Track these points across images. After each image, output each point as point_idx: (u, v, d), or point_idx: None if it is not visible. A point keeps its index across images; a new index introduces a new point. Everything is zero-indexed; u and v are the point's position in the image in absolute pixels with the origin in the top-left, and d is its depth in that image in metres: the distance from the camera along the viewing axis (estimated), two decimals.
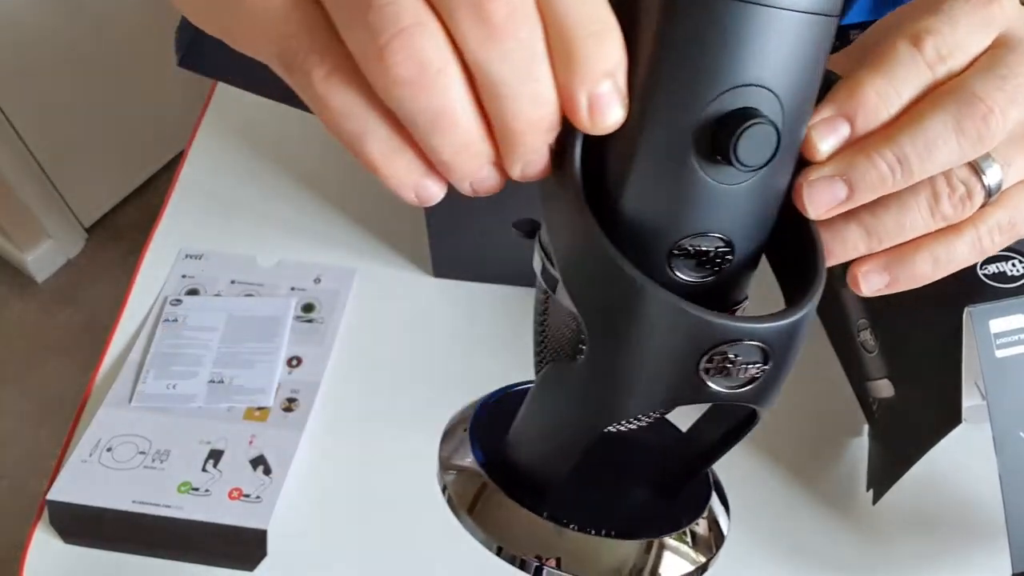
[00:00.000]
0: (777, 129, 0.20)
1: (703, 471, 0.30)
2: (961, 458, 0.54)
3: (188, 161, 0.76)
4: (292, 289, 0.66)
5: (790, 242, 0.25)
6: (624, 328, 0.22)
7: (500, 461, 0.29)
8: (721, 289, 0.24)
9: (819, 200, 0.24)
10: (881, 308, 0.54)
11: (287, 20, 0.21)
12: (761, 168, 0.21)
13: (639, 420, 0.26)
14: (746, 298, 0.26)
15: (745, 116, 0.20)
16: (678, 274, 0.23)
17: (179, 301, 0.65)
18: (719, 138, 0.20)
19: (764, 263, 0.26)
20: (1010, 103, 0.24)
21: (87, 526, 0.55)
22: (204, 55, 0.45)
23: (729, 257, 0.23)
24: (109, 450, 0.57)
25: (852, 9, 0.67)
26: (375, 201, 0.70)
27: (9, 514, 1.37)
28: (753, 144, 0.20)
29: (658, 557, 0.28)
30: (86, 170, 1.59)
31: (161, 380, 0.61)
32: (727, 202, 0.22)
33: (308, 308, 0.65)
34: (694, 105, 0.20)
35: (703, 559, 0.29)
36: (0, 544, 1.34)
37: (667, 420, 0.28)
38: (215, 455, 0.57)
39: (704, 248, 0.23)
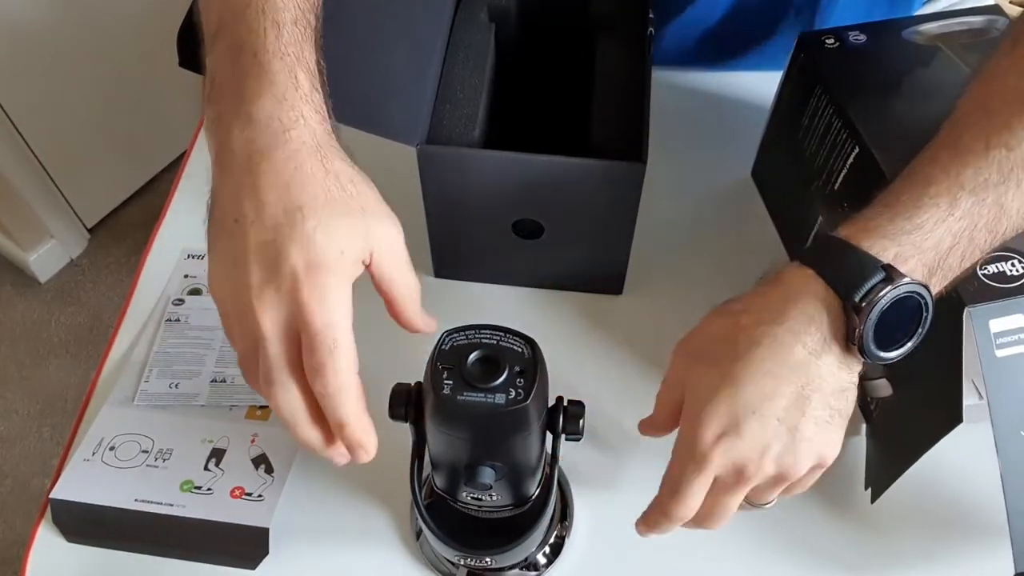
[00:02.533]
0: (495, 472, 0.40)
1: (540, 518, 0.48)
2: (960, 457, 0.54)
3: (190, 161, 0.76)
4: None
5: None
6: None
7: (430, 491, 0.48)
8: (506, 494, 0.44)
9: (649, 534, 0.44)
10: None
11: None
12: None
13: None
14: (532, 496, 0.45)
15: (472, 475, 0.40)
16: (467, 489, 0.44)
17: (181, 301, 0.66)
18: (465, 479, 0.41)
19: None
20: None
21: (90, 525, 0.55)
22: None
23: (495, 496, 0.44)
24: (112, 449, 0.58)
25: (835, 11, 0.68)
26: None
27: (12, 513, 1.38)
28: (477, 487, 0.41)
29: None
30: (89, 171, 1.59)
31: (163, 379, 0.61)
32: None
33: None
34: (456, 461, 0.42)
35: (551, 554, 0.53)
36: (3, 543, 1.35)
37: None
38: (217, 454, 0.57)
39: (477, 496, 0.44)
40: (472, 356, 0.38)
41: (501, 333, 0.39)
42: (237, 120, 0.39)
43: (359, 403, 0.38)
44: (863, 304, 0.37)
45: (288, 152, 0.38)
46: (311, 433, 0.39)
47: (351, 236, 0.38)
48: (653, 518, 0.43)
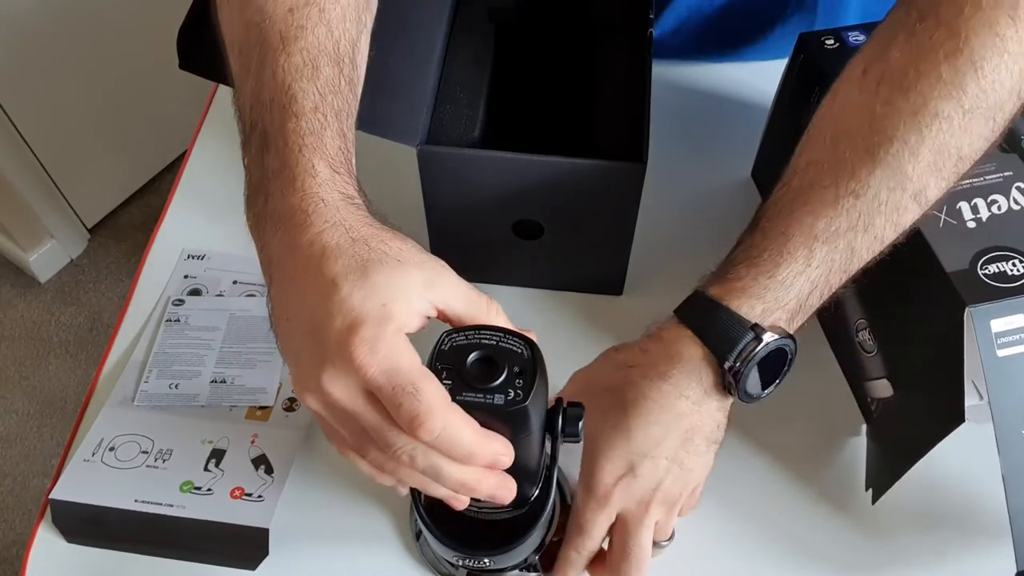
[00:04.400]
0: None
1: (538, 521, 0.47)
2: (961, 457, 0.54)
3: (190, 162, 0.76)
4: None
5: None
6: None
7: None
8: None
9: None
10: (880, 308, 0.55)
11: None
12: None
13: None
14: (531, 497, 0.43)
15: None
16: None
17: (181, 301, 0.66)
18: None
19: None
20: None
21: (89, 525, 0.55)
22: (205, 57, 0.45)
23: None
24: (112, 449, 0.58)
25: (847, 11, 0.68)
26: (375, 202, 0.70)
27: (12, 513, 1.38)
28: None
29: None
30: (89, 171, 1.59)
31: (163, 380, 0.61)
32: None
33: None
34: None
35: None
36: (3, 543, 1.35)
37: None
38: (217, 454, 0.57)
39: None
40: (471, 356, 0.37)
41: (501, 334, 0.38)
42: (269, 223, 0.39)
43: (471, 427, 0.36)
44: (737, 364, 0.43)
45: (311, 235, 0.37)
46: (461, 472, 0.37)
47: (391, 288, 0.36)
48: (565, 554, 0.49)
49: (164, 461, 0.57)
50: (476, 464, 0.37)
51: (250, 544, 0.53)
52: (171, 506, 0.55)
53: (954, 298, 0.45)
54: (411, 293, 0.36)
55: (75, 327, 1.58)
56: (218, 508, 0.55)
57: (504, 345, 0.38)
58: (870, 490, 0.54)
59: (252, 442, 0.58)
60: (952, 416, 0.45)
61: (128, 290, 0.67)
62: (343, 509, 0.55)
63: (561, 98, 0.69)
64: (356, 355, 0.34)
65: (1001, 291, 0.45)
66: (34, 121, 1.44)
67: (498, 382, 0.37)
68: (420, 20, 0.59)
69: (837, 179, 0.43)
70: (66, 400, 1.49)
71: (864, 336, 0.56)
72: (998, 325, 0.45)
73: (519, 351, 0.38)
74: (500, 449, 0.37)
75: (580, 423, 0.42)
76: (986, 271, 0.46)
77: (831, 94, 0.46)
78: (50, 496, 0.56)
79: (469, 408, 0.36)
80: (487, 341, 0.38)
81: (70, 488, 0.56)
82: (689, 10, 0.73)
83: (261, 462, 0.57)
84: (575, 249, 0.61)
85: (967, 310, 0.44)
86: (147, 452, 0.58)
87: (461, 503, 0.40)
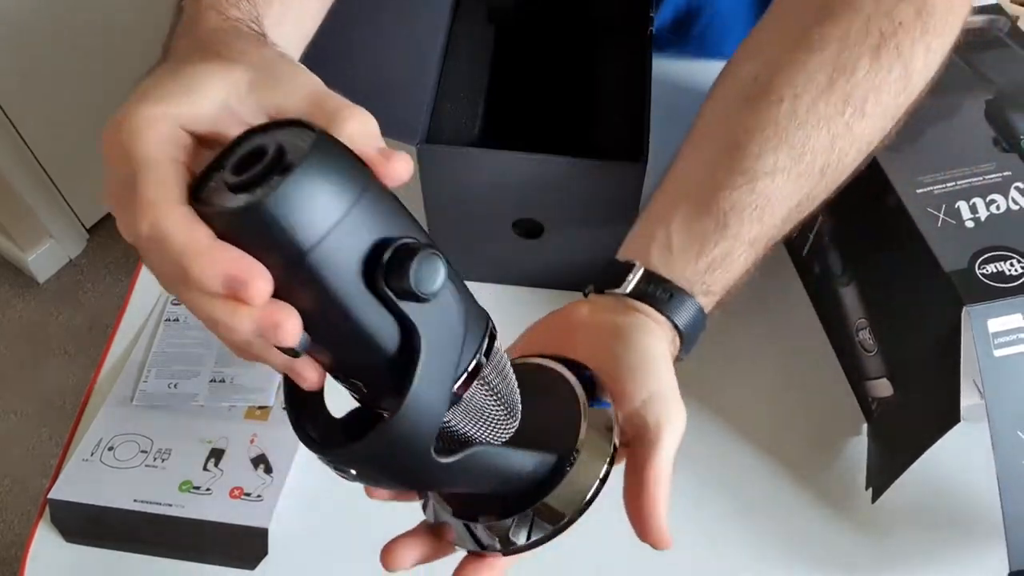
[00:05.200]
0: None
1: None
2: (960, 456, 0.54)
3: None
4: None
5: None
6: None
7: None
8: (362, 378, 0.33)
9: None
10: (880, 308, 0.55)
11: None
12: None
13: None
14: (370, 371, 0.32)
15: None
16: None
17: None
18: None
19: None
20: None
21: (88, 525, 0.55)
22: None
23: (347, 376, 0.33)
24: (111, 449, 0.58)
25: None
26: None
27: (11, 513, 1.38)
28: None
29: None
30: (88, 170, 1.59)
31: (162, 379, 0.61)
32: None
33: None
34: None
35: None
36: (2, 543, 1.34)
37: None
38: (216, 454, 0.57)
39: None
40: (241, 150, 0.27)
41: (302, 128, 0.28)
42: None
43: (189, 232, 0.26)
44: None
45: (169, 57, 0.32)
46: (200, 299, 0.27)
47: (192, 79, 0.29)
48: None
49: (163, 461, 0.57)
50: (198, 283, 0.26)
51: (249, 544, 0.53)
52: (170, 506, 0.55)
53: (952, 297, 0.45)
54: (218, 91, 0.29)
55: (74, 327, 1.58)
56: (217, 508, 0.55)
57: (291, 139, 0.27)
58: (870, 489, 0.54)
59: (251, 442, 0.58)
60: (948, 416, 0.45)
61: (127, 290, 0.67)
62: (343, 509, 0.55)
63: (561, 97, 0.69)
64: (103, 138, 0.28)
65: (999, 291, 0.45)
66: (33, 121, 1.44)
67: (246, 177, 0.25)
68: (420, 19, 0.60)
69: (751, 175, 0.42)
70: (65, 400, 1.49)
71: (864, 335, 0.56)
72: (995, 325, 0.45)
73: (302, 144, 0.26)
74: (235, 267, 0.25)
75: (412, 265, 0.27)
76: (984, 271, 0.46)
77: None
78: (49, 496, 0.56)
79: (208, 215, 0.26)
80: (282, 137, 0.27)
81: (69, 488, 0.56)
82: (688, 2, 0.73)
83: (260, 462, 0.57)
84: (575, 249, 0.61)
85: (964, 309, 0.44)
86: (146, 452, 0.58)
87: (304, 379, 0.32)
